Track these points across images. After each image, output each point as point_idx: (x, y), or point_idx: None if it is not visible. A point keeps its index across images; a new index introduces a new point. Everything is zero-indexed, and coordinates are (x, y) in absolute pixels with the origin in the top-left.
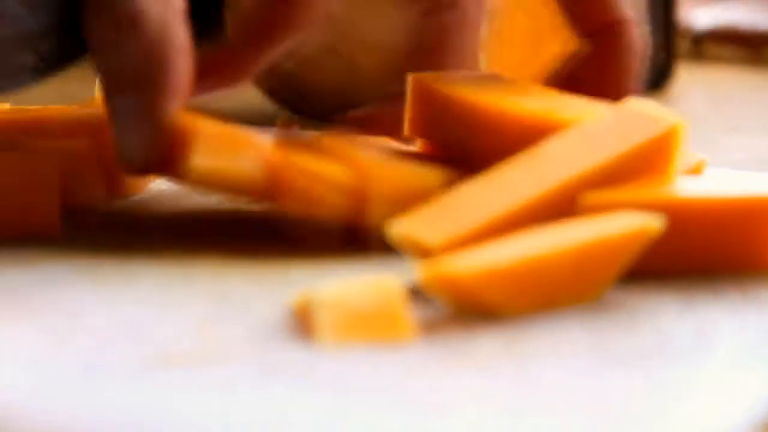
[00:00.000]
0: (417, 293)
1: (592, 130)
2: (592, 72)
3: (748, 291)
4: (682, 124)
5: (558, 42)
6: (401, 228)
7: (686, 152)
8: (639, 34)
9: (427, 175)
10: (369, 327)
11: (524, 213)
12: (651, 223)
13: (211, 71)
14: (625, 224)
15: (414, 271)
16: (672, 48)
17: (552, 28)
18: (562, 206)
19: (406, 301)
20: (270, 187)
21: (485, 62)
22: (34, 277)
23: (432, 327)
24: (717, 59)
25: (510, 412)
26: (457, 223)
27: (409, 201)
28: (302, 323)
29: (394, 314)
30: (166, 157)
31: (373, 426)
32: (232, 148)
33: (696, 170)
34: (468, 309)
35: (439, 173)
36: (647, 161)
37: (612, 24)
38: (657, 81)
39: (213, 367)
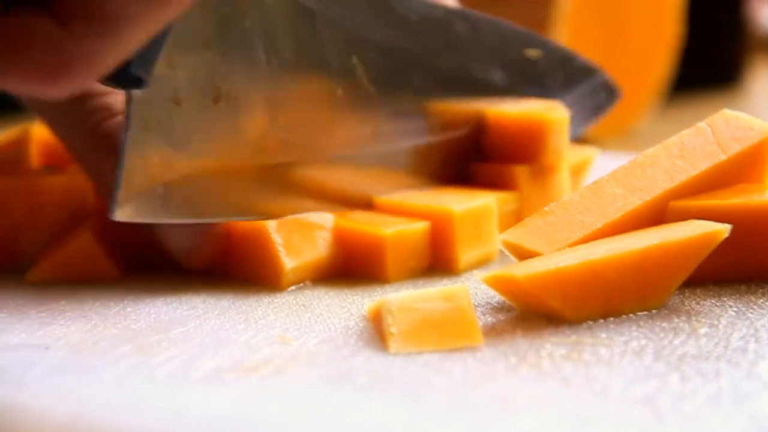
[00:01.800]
0: (484, 301)
1: (688, 140)
2: None
3: None
4: None
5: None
6: (511, 237)
7: None
8: None
9: None
10: (438, 334)
11: (624, 223)
12: (715, 231)
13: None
14: (689, 231)
15: (480, 279)
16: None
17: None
18: (660, 216)
19: (474, 309)
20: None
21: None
22: (128, 294)
23: (498, 334)
24: None
25: (575, 417)
26: (564, 232)
27: None
28: (375, 331)
29: (463, 321)
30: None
31: (442, 430)
32: (307, 237)
33: None
34: (532, 313)
35: None
36: (743, 169)
37: None
38: (730, 76)
39: (289, 375)
